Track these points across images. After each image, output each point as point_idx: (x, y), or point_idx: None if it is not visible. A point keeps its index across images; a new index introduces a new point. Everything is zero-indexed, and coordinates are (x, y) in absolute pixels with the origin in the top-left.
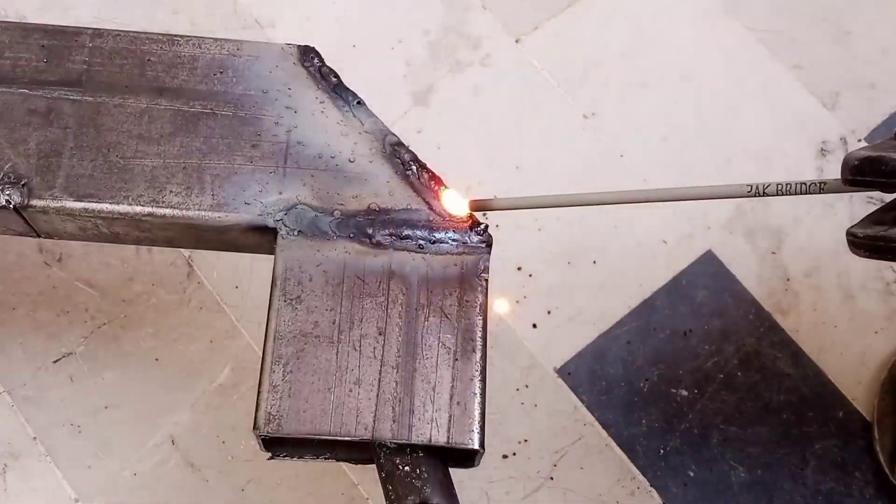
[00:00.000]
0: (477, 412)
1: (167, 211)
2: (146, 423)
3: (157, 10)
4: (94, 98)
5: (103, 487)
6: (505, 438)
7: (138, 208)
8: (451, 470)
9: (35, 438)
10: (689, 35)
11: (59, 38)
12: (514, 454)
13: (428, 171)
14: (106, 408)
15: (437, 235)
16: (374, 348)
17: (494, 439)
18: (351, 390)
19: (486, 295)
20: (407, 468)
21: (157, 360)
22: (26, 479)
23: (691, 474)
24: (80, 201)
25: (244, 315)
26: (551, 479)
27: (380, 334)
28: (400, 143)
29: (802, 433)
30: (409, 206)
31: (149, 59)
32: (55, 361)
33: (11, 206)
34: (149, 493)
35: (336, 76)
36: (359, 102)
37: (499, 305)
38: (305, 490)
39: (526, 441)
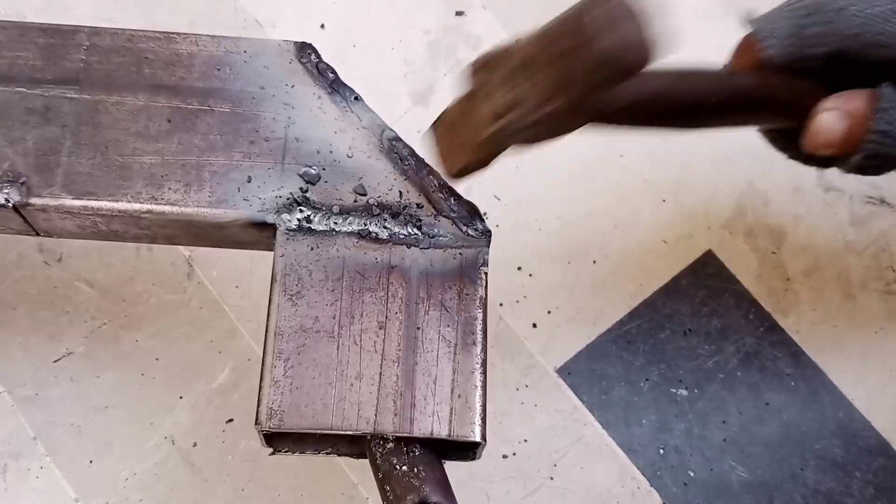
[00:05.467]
0: (478, 404)
1: (166, 208)
2: (146, 423)
3: (157, 9)
4: (92, 96)
5: (103, 487)
6: (505, 438)
7: (137, 205)
8: (451, 465)
9: (35, 438)
10: (689, 35)
11: (57, 37)
12: (514, 454)
13: (426, 165)
14: (106, 408)
15: (436, 230)
16: (375, 342)
17: (494, 439)
18: (352, 385)
19: (485, 288)
20: (405, 468)
21: (157, 360)
22: (26, 479)
23: (691, 474)
24: (79, 199)
25: (244, 315)
26: (551, 479)
27: (380, 328)
28: (398, 138)
29: (802, 433)
30: (408, 201)
31: (146, 57)
32: (55, 361)
33: (10, 204)
34: (149, 493)
35: (333, 72)
36: (356, 98)
37: (499, 305)
38: (305, 490)
39: (526, 441)
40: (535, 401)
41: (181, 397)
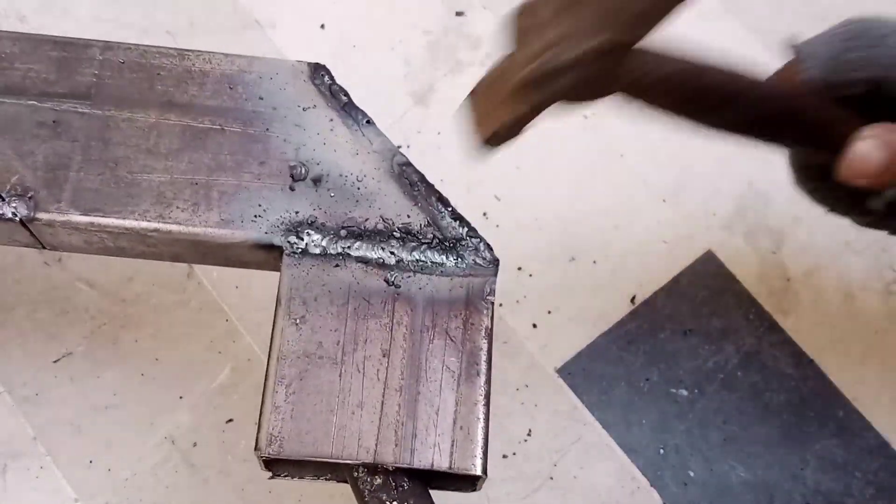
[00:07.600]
0: (480, 437)
1: (173, 227)
2: (146, 423)
3: (157, 9)
4: (103, 111)
5: (103, 487)
6: (505, 438)
7: (144, 224)
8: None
9: (35, 438)
10: (689, 35)
11: (69, 50)
12: (514, 454)
13: (436, 192)
14: (106, 408)
15: (444, 257)
16: (378, 370)
17: (494, 439)
18: (353, 413)
19: (492, 318)
20: (395, 503)
21: (157, 360)
22: (26, 479)
23: (691, 474)
24: (87, 215)
25: (244, 315)
26: (551, 479)
27: (384, 356)
28: (408, 164)
29: (802, 433)
30: (416, 227)
31: (158, 74)
32: (55, 361)
33: (17, 218)
34: (149, 493)
35: (346, 95)
36: (368, 121)
37: (499, 305)
38: (305, 490)
39: (526, 441)
40: (535, 401)
41: (181, 397)
